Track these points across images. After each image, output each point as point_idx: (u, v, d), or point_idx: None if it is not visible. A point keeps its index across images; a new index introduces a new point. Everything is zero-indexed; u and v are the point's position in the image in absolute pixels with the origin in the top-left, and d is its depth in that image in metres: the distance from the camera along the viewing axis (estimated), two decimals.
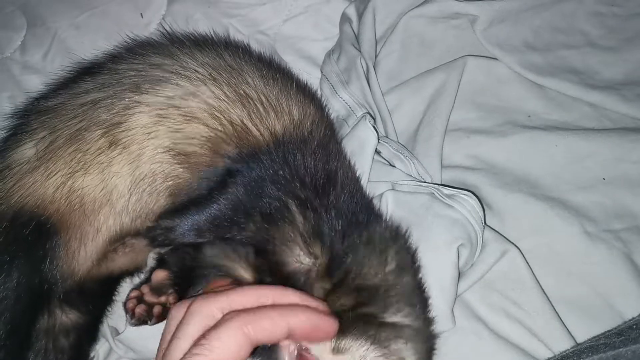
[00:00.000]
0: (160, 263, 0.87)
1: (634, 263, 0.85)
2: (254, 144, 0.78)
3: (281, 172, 0.74)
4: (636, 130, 0.93)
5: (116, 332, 0.88)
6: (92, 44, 1.16)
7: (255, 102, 0.80)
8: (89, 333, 0.89)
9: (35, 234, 0.78)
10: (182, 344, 0.58)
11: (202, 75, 0.80)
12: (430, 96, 0.99)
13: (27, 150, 0.82)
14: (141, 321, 0.82)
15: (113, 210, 0.80)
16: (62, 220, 0.79)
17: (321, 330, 0.62)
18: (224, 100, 0.79)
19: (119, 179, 0.79)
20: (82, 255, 0.82)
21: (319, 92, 1.03)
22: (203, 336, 0.57)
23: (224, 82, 0.80)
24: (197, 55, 0.83)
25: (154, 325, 0.82)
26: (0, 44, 1.21)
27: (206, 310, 0.60)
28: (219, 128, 0.78)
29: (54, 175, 0.79)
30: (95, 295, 0.88)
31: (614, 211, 0.89)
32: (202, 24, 1.16)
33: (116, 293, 0.93)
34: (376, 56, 1.06)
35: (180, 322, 0.61)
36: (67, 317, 0.86)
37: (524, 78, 1.00)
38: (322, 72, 1.06)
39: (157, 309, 0.83)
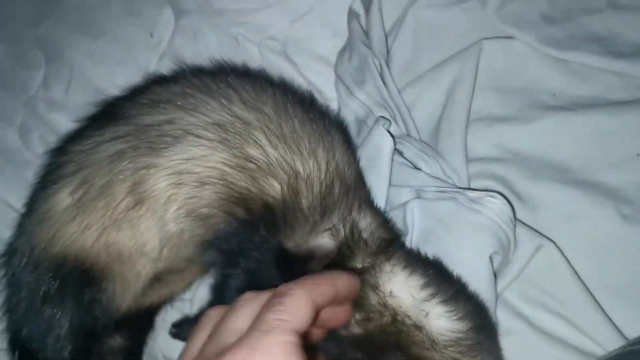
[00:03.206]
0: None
1: None
2: (258, 208, 0.80)
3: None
4: None
5: None
6: (109, 71, 1.19)
7: (258, 167, 0.80)
8: (133, 353, 0.96)
9: (80, 282, 0.84)
10: (237, 324, 0.56)
11: (213, 135, 0.81)
12: (447, 87, 0.97)
13: (64, 199, 0.85)
14: None
15: (149, 259, 0.84)
16: (105, 268, 0.84)
17: (353, 288, 0.65)
18: (230, 166, 0.80)
19: (149, 235, 0.83)
20: (127, 294, 0.88)
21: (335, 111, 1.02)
22: (274, 301, 0.56)
23: (230, 144, 0.81)
24: (207, 107, 0.83)
25: None
26: (24, 82, 1.23)
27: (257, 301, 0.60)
28: (228, 193, 0.80)
29: (90, 228, 0.83)
30: (137, 322, 0.95)
31: None
32: (210, 38, 1.16)
33: (156, 318, 0.99)
34: (388, 51, 1.03)
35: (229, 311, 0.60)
36: (113, 340, 0.93)
37: (545, 54, 0.96)
38: (335, 73, 1.05)
39: None
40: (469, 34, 1.00)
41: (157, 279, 0.88)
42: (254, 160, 0.80)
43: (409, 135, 0.95)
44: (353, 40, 1.03)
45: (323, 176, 0.81)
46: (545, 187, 0.88)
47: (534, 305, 0.83)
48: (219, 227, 0.81)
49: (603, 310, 0.80)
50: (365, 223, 0.80)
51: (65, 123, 1.10)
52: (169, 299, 0.97)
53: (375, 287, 0.74)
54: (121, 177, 0.82)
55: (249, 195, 0.80)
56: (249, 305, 0.61)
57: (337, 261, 0.77)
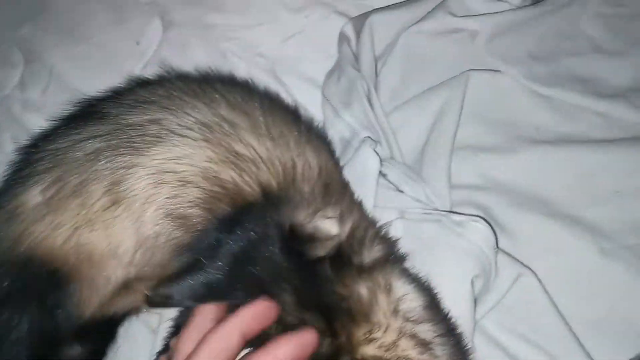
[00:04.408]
0: (177, 330, 0.86)
1: None
2: (246, 202, 0.77)
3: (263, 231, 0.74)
4: None
5: None
6: (90, 76, 1.16)
7: (247, 161, 0.79)
8: None
9: (46, 283, 0.79)
10: None
11: (198, 135, 0.79)
12: (434, 114, 0.97)
13: (35, 197, 0.82)
14: None
15: (120, 263, 0.80)
16: (73, 270, 0.80)
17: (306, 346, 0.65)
18: (216, 162, 0.78)
19: (124, 236, 0.79)
20: (93, 300, 0.83)
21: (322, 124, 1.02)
22: None
23: (217, 142, 0.79)
24: (193, 109, 0.82)
25: None
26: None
27: None
28: (213, 189, 0.78)
29: (61, 227, 0.79)
30: (98, 332, 0.90)
31: (629, 225, 0.86)
32: (198, 51, 1.15)
33: (119, 329, 0.94)
34: (377, 75, 1.04)
35: None
36: (72, 349, 0.88)
37: (530, 89, 0.98)
38: (323, 94, 1.05)
39: None
40: (458, 65, 1.01)
41: (126, 285, 0.84)
42: (242, 157, 0.79)
43: (392, 158, 0.95)
44: (342, 63, 1.04)
45: (317, 173, 0.80)
46: (527, 218, 0.89)
47: (511, 334, 0.82)
48: (199, 228, 0.78)
49: (580, 343, 0.79)
50: (368, 224, 0.79)
51: (40, 124, 1.05)
52: (135, 310, 0.92)
53: (388, 288, 0.71)
54: (98, 176, 0.79)
55: (236, 187, 0.78)
56: None
57: (344, 252, 0.74)
